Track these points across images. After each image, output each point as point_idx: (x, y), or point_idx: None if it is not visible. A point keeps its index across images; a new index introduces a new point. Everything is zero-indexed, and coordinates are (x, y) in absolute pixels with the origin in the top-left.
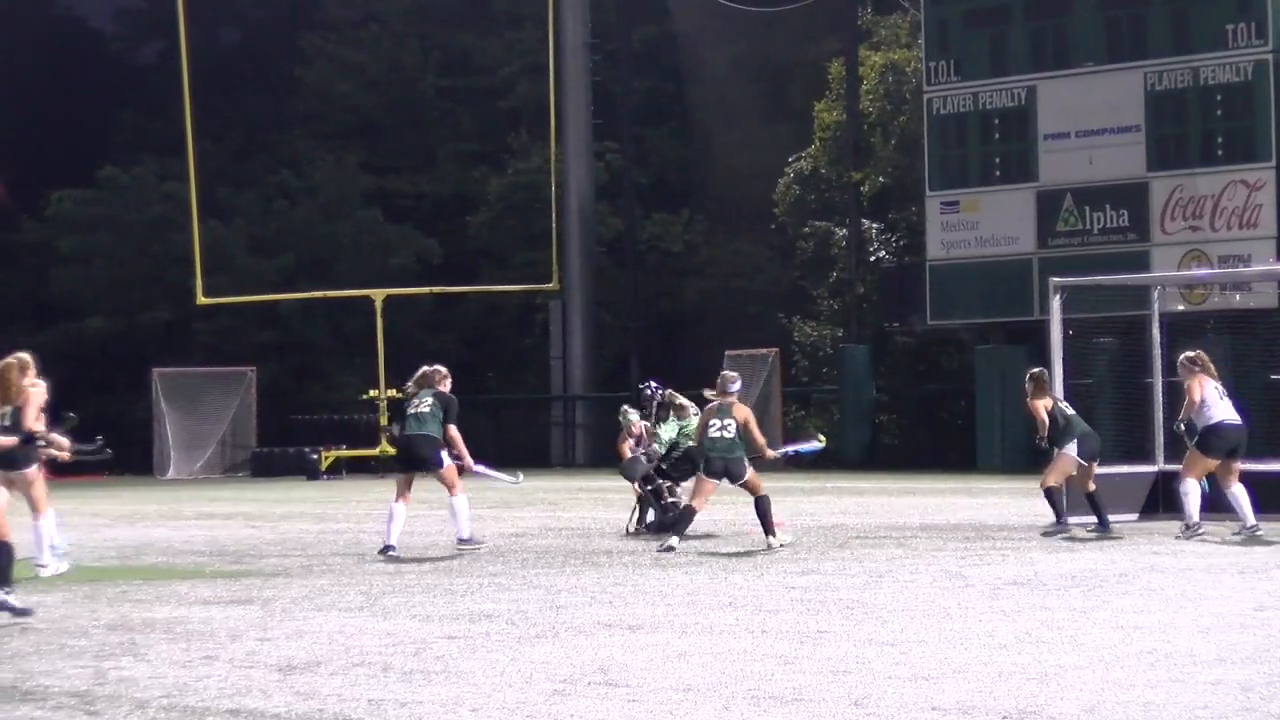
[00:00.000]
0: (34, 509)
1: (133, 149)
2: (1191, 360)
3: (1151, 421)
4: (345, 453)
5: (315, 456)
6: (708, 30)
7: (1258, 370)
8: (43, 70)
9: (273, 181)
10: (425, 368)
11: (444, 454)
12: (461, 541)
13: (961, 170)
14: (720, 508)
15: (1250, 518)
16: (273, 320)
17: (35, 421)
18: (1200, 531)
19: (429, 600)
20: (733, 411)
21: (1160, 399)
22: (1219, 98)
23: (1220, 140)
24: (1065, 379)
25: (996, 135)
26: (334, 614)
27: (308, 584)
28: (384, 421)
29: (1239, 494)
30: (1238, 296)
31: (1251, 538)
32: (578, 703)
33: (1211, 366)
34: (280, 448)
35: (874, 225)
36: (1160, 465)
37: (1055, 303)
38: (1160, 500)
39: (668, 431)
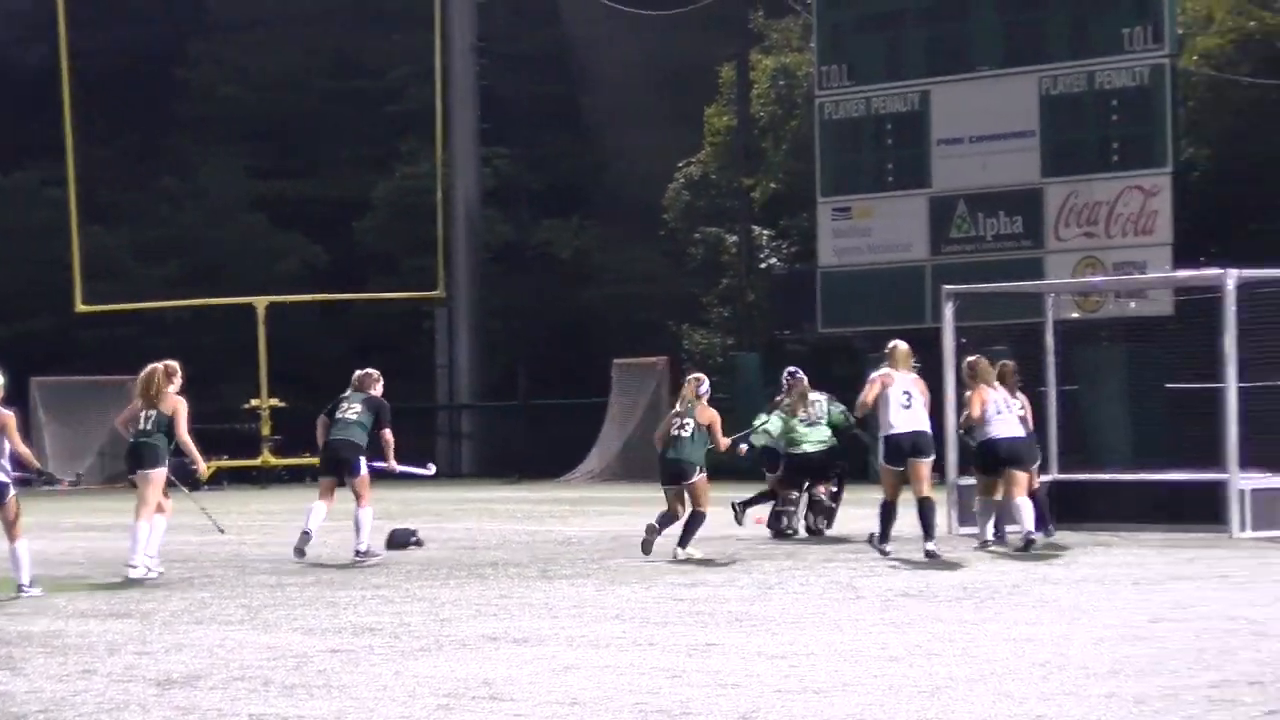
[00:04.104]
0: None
1: (15, 153)
2: (972, 366)
3: (1045, 430)
4: (227, 463)
5: (196, 467)
6: (601, 34)
7: (1154, 378)
8: None
9: (159, 186)
10: (359, 371)
11: (363, 461)
12: (359, 554)
13: (854, 176)
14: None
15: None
16: (159, 329)
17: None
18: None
19: (311, 613)
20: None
21: (1054, 407)
22: (1114, 103)
23: (1116, 146)
24: (957, 388)
25: (889, 140)
26: (214, 627)
27: (188, 597)
28: (265, 431)
29: (1021, 505)
30: (1133, 304)
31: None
32: (462, 717)
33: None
34: None
35: (765, 231)
36: (1054, 474)
37: (948, 310)
38: (1050, 511)
39: (773, 424)
